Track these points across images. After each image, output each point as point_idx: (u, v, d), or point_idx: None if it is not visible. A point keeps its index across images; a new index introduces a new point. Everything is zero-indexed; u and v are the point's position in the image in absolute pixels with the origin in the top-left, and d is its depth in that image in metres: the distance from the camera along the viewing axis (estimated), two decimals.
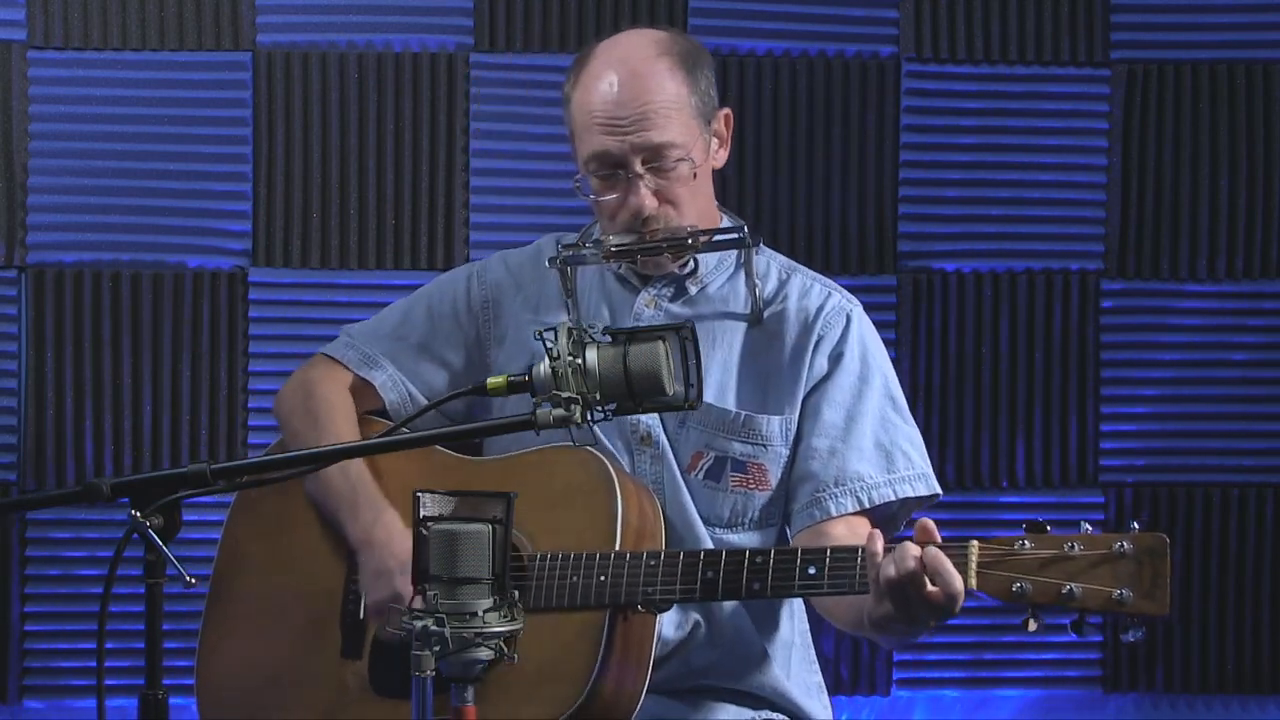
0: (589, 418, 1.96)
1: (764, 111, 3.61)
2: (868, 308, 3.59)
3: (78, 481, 3.47)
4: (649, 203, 2.38)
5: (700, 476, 2.41)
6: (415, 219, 3.57)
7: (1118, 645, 3.69)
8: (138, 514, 1.87)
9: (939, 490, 2.44)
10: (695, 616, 2.40)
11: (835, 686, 3.64)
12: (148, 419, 3.53)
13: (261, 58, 3.53)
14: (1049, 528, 2.04)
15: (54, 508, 3.31)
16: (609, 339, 1.98)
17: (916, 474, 2.44)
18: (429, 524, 1.85)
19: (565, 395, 1.94)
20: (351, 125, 3.55)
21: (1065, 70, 3.64)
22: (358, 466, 2.43)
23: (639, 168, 2.37)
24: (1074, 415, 3.66)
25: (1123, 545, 1.99)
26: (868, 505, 2.39)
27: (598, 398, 1.96)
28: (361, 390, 2.55)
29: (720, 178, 3.57)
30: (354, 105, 3.55)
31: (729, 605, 2.41)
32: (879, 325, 3.59)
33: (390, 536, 2.37)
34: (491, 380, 2.01)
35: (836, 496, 2.38)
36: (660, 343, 1.98)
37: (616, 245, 2.39)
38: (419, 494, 1.87)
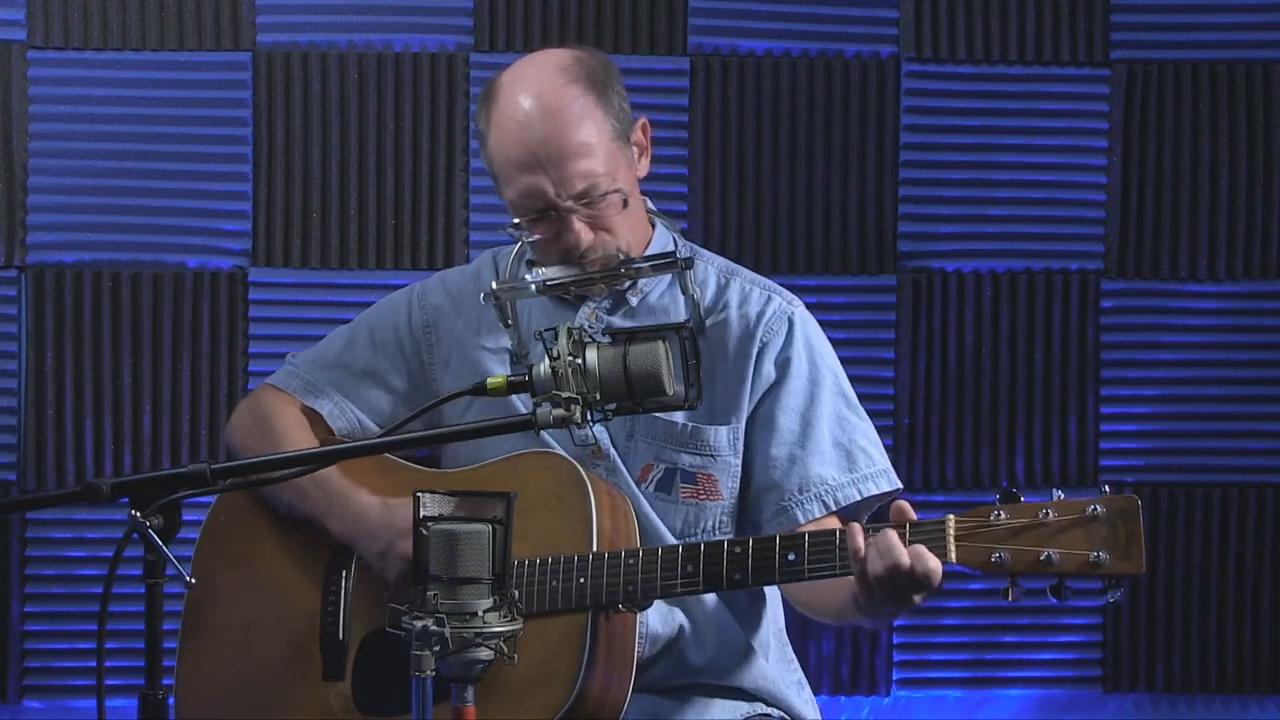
0: (589, 418, 1.96)
1: (764, 111, 3.61)
2: (868, 308, 3.64)
3: (78, 481, 3.47)
4: (585, 237, 2.35)
5: (651, 489, 2.41)
6: (415, 219, 3.57)
7: (1118, 645, 3.69)
8: (138, 514, 1.87)
9: (900, 484, 2.44)
10: (680, 618, 2.40)
11: (835, 686, 3.65)
12: (148, 419, 3.53)
13: (261, 58, 3.53)
14: (1021, 496, 2.07)
15: (54, 508, 3.32)
16: (609, 339, 1.98)
17: (878, 470, 2.43)
18: (429, 524, 1.85)
19: (565, 395, 1.94)
20: (351, 125, 3.55)
21: (1065, 70, 3.64)
22: (325, 471, 2.40)
23: (569, 203, 2.34)
24: (1074, 415, 3.66)
25: (1095, 509, 2.04)
26: (834, 507, 2.39)
27: (598, 398, 1.96)
28: (310, 417, 2.54)
29: (720, 178, 3.61)
30: (354, 105, 3.55)
31: (712, 604, 2.42)
32: (879, 325, 3.64)
33: (369, 515, 2.36)
34: (491, 380, 2.01)
35: (803, 504, 2.38)
36: (660, 343, 1.98)
37: (550, 280, 2.34)
38: (419, 494, 1.88)
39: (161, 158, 3.53)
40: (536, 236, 2.37)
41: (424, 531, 1.85)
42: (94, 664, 1.91)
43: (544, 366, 1.96)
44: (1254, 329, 3.69)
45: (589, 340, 1.97)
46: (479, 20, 3.56)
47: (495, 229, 3.53)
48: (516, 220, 2.38)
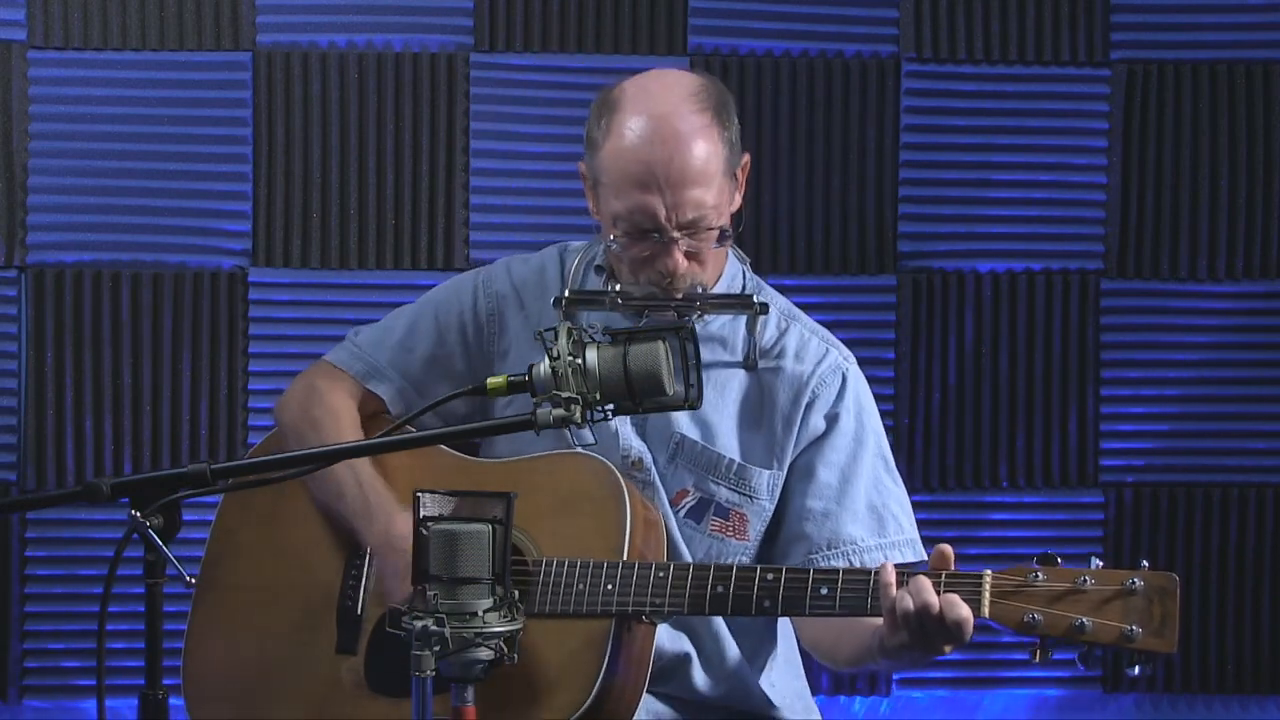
0: (589, 418, 1.96)
1: (764, 111, 3.61)
2: (868, 308, 3.64)
3: (78, 481, 3.47)
4: (681, 265, 2.32)
5: (682, 514, 2.39)
6: (415, 219, 3.57)
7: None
8: (138, 514, 1.86)
9: (925, 557, 2.41)
10: (687, 640, 2.39)
11: (835, 686, 3.65)
12: (148, 419, 3.53)
13: (261, 58, 3.53)
14: (1059, 560, 2.06)
15: (54, 508, 3.31)
16: (609, 339, 1.98)
17: (905, 539, 2.42)
18: (429, 524, 1.85)
19: (565, 395, 1.94)
20: (351, 125, 3.55)
21: (1065, 70, 3.65)
22: (368, 470, 2.40)
23: (676, 232, 2.31)
24: (1074, 415, 3.66)
25: (1134, 582, 2.03)
26: (858, 567, 2.37)
27: (598, 398, 1.96)
28: (366, 401, 2.52)
29: None
30: (354, 105, 3.55)
31: (722, 631, 2.41)
32: (879, 325, 3.64)
33: (408, 539, 2.36)
34: (492, 380, 2.00)
35: (829, 559, 2.37)
36: (660, 343, 1.97)
37: (625, 300, 2.34)
38: (419, 494, 1.87)
39: (161, 158, 3.53)
40: (631, 253, 2.34)
41: (424, 531, 1.85)
42: (94, 664, 1.91)
43: (544, 366, 1.96)
44: (1254, 329, 3.69)
45: (589, 340, 1.97)
46: (479, 20, 3.56)
47: (495, 229, 3.54)
48: (614, 235, 2.34)
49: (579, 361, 1.95)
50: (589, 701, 2.19)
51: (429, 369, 2.51)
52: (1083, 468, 3.67)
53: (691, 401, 2.02)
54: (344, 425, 2.48)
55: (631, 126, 2.31)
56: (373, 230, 3.56)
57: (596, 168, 2.36)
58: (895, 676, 3.67)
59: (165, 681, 1.87)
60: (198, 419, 3.54)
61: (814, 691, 2.58)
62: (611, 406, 1.97)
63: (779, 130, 3.61)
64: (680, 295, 2.34)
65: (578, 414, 1.94)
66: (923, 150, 3.64)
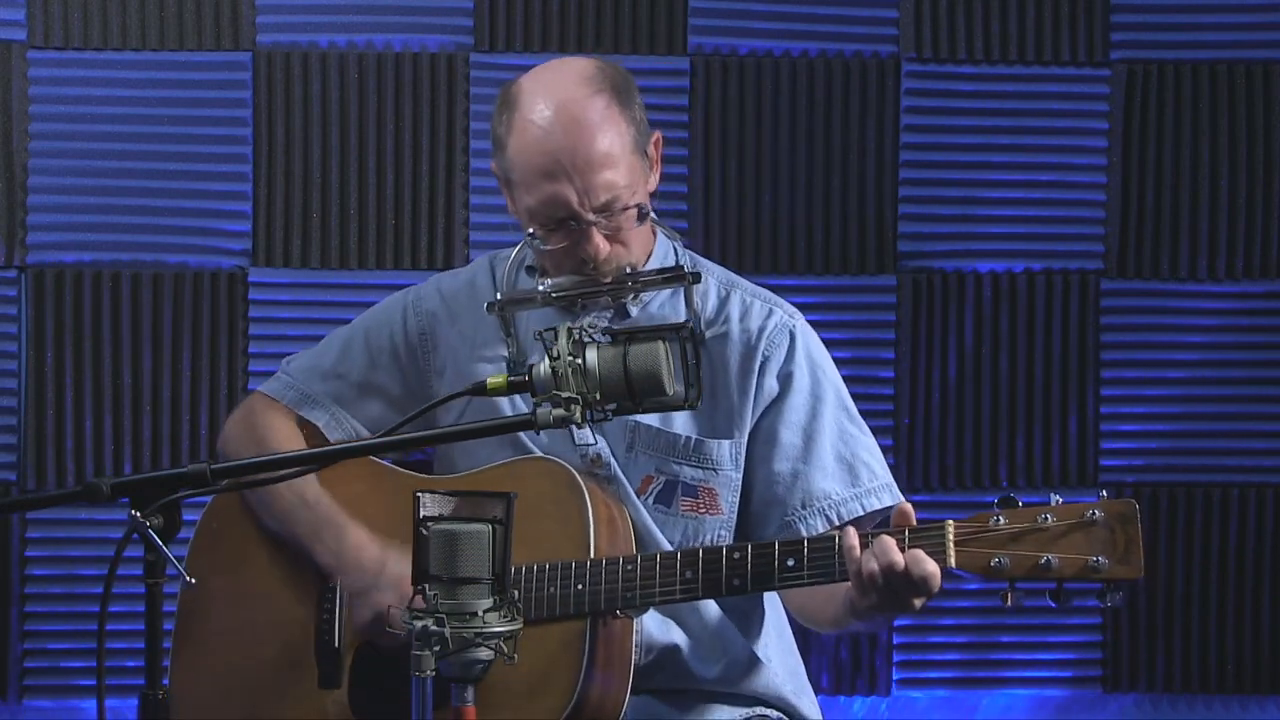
0: (589, 418, 1.96)
1: (764, 111, 3.61)
2: (868, 308, 3.64)
3: (78, 481, 3.47)
4: (603, 249, 2.34)
5: (650, 501, 2.40)
6: (415, 219, 3.57)
7: (1118, 645, 3.69)
8: (138, 514, 1.87)
9: (902, 499, 2.43)
10: (677, 628, 2.39)
11: (835, 686, 3.65)
12: (148, 419, 3.53)
13: (261, 58, 3.53)
14: (1020, 501, 2.07)
15: (54, 508, 3.31)
16: (609, 339, 1.98)
17: (881, 485, 2.43)
18: (429, 524, 1.85)
19: (565, 395, 1.94)
20: (351, 125, 3.55)
21: (1065, 70, 3.64)
22: (314, 490, 2.41)
23: (590, 215, 2.32)
24: (1074, 415, 3.66)
25: (1093, 513, 2.05)
26: (837, 523, 2.38)
27: (598, 398, 1.96)
28: (304, 428, 2.53)
29: (720, 178, 3.61)
30: (354, 105, 3.55)
31: (712, 612, 2.41)
32: (879, 325, 3.64)
33: (360, 554, 2.36)
34: (491, 380, 2.01)
35: (806, 519, 2.38)
36: (660, 343, 1.98)
37: (557, 292, 2.35)
38: (419, 494, 1.88)
39: (161, 158, 3.53)
40: (550, 246, 2.35)
41: (424, 531, 1.85)
42: (94, 664, 1.91)
43: (544, 366, 1.96)
44: (1254, 329, 3.69)
45: (589, 340, 1.97)
46: (479, 20, 3.56)
47: (495, 229, 3.54)
48: (531, 229, 2.36)
49: (579, 361, 1.95)
50: (572, 703, 2.20)
51: (362, 393, 2.52)
52: (1083, 468, 3.67)
53: (691, 401, 2.03)
54: (285, 441, 2.48)
55: (532, 119, 2.33)
56: (373, 230, 3.56)
57: (506, 166, 2.39)
58: (895, 676, 3.67)
59: (165, 682, 1.87)
60: (198, 419, 3.54)
61: (814, 691, 2.58)
62: (612, 406, 1.98)
63: (779, 130, 3.61)
64: (609, 279, 2.35)
65: (578, 414, 1.94)
66: (923, 150, 3.64)
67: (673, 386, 1.98)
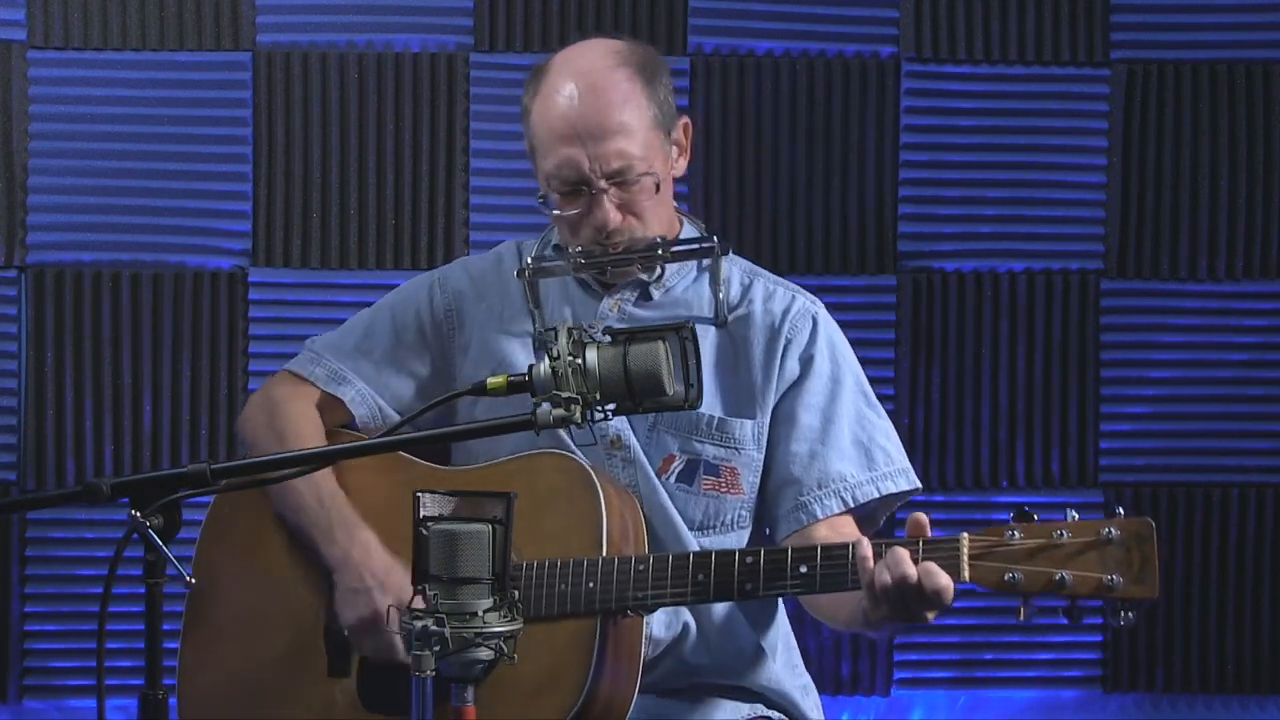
0: (589, 417, 1.97)
1: (764, 111, 3.61)
2: (868, 308, 3.64)
3: (78, 481, 3.47)
4: (614, 217, 2.37)
5: (672, 480, 2.41)
6: (415, 219, 3.57)
7: (1118, 645, 3.69)
8: (138, 514, 1.87)
9: (919, 484, 2.46)
10: (685, 618, 2.40)
11: (835, 686, 3.65)
12: (148, 419, 3.53)
13: (261, 58, 3.53)
14: (1036, 516, 2.07)
15: (54, 508, 3.32)
16: (609, 339, 1.98)
17: (897, 469, 2.45)
18: (429, 524, 1.85)
19: (565, 395, 1.94)
20: (351, 125, 3.55)
21: (1065, 70, 3.64)
22: (330, 486, 2.41)
23: (603, 183, 2.36)
24: (1074, 415, 3.66)
25: (1110, 531, 2.03)
26: (852, 505, 2.40)
27: (598, 398, 1.96)
28: (329, 406, 2.53)
29: (720, 178, 3.61)
30: (354, 105, 3.55)
31: (719, 606, 2.41)
32: (879, 325, 3.64)
33: (367, 554, 2.36)
34: (492, 380, 2.01)
35: (821, 499, 2.39)
36: (660, 343, 1.98)
37: (586, 257, 2.39)
38: (419, 494, 1.88)
39: (161, 158, 3.53)
40: (565, 211, 2.39)
41: (424, 531, 1.85)
42: (94, 664, 1.91)
43: (544, 366, 1.96)
44: (1254, 329, 3.69)
45: (589, 340, 1.98)
46: (479, 20, 3.56)
47: (495, 229, 3.54)
48: (543, 194, 2.40)
49: (579, 361, 1.95)
50: (580, 702, 2.20)
51: (388, 370, 2.53)
52: (1083, 468, 3.67)
53: (691, 401, 2.03)
54: (307, 434, 2.48)
55: (554, 87, 2.39)
56: (373, 230, 3.56)
57: (530, 134, 2.44)
58: (895, 676, 3.67)
59: (165, 682, 1.87)
60: (198, 419, 3.54)
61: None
62: (612, 406, 1.98)
63: (779, 130, 3.61)
64: (621, 249, 2.38)
65: (578, 414, 1.95)
66: (922, 150, 3.64)
67: (673, 386, 1.99)
